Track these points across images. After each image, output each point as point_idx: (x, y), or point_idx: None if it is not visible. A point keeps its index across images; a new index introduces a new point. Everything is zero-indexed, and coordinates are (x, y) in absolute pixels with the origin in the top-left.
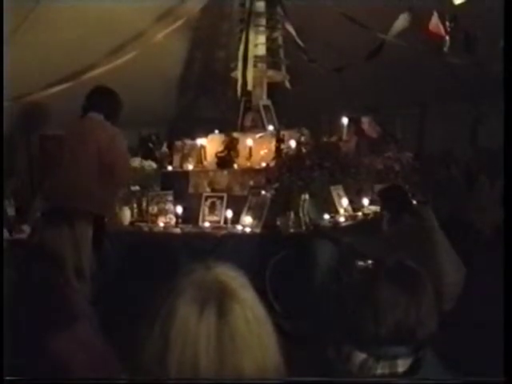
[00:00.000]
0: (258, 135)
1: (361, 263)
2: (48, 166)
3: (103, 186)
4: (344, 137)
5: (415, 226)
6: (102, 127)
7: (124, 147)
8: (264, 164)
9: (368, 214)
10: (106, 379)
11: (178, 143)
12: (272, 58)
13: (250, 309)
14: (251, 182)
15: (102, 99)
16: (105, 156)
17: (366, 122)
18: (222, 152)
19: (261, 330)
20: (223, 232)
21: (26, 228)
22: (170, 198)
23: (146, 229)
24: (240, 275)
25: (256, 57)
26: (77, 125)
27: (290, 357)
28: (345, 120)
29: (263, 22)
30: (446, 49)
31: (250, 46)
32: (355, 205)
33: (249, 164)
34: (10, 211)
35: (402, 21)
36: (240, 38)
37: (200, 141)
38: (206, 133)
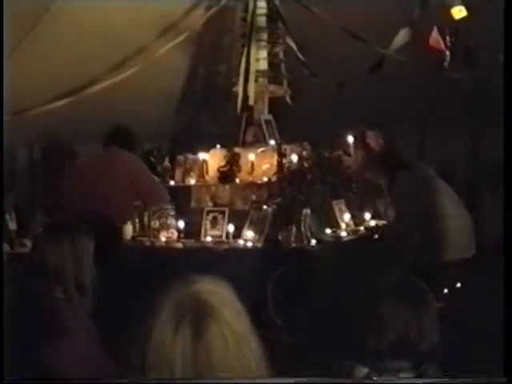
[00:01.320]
0: (259, 150)
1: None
2: (50, 180)
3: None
4: (351, 151)
5: (411, 178)
6: (128, 156)
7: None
8: (266, 178)
9: (370, 229)
10: (106, 379)
11: (180, 158)
12: (273, 72)
13: (227, 325)
14: (253, 197)
15: (121, 136)
16: (139, 180)
17: (371, 136)
18: (223, 167)
19: (240, 346)
20: (225, 246)
21: (28, 242)
22: (172, 212)
23: (147, 243)
24: (221, 289)
25: (257, 71)
26: (102, 154)
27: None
28: (350, 136)
29: (265, 36)
30: (446, 63)
31: (252, 61)
32: (357, 219)
33: (251, 178)
34: (12, 225)
35: (402, 36)
36: (241, 53)
37: (202, 155)
38: (208, 147)
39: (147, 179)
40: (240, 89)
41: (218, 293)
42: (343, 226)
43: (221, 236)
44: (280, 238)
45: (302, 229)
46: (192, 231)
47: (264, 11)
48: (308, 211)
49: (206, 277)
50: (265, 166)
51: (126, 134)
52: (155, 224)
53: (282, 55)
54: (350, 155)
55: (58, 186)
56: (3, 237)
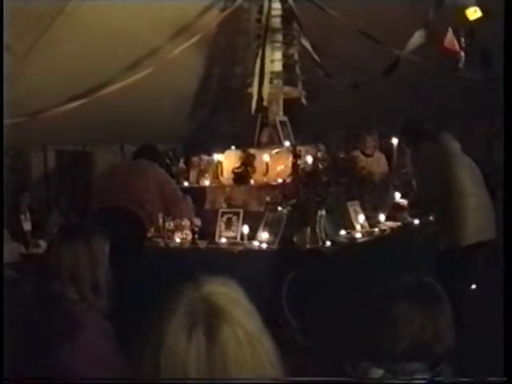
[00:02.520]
0: (274, 151)
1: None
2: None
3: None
4: (373, 153)
5: (435, 151)
6: (158, 168)
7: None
8: (280, 180)
9: (385, 230)
10: (107, 379)
11: (195, 159)
12: (288, 74)
13: (240, 326)
14: (268, 198)
15: (149, 151)
16: (166, 189)
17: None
18: (238, 168)
19: (254, 346)
20: (240, 248)
21: (43, 243)
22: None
23: (162, 244)
24: (231, 289)
25: (272, 73)
26: (134, 162)
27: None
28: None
29: (279, 37)
30: (461, 65)
31: (267, 62)
32: (372, 221)
33: (265, 180)
34: (26, 226)
35: (417, 37)
36: (256, 54)
37: (217, 156)
38: (223, 149)
39: (175, 191)
40: (255, 90)
41: (227, 294)
42: (358, 227)
43: (235, 237)
44: (295, 239)
45: (317, 230)
46: (207, 232)
47: (279, 12)
48: (323, 212)
49: (214, 278)
50: (279, 168)
51: (153, 150)
52: (170, 225)
53: (296, 56)
54: (370, 155)
55: (80, 187)
56: (12, 238)
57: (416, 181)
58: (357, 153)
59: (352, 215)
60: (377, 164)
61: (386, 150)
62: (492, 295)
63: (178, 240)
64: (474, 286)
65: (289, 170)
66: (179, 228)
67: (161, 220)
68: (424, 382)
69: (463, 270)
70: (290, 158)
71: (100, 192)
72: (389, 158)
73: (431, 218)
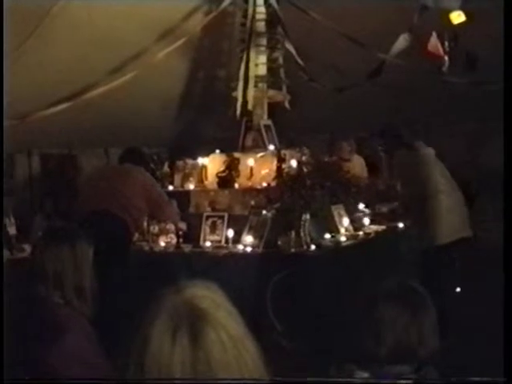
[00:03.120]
0: (259, 155)
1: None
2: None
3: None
4: (351, 158)
5: (410, 157)
6: (144, 172)
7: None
8: (265, 184)
9: (369, 234)
10: (106, 379)
11: (180, 163)
12: (273, 77)
13: (223, 330)
14: (252, 202)
15: (135, 154)
16: (152, 193)
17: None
18: (223, 172)
19: (238, 349)
20: (224, 252)
21: (27, 247)
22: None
23: (146, 248)
24: (214, 292)
25: (257, 76)
26: (120, 167)
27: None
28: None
29: (264, 41)
30: (445, 69)
31: (251, 66)
32: (356, 224)
33: (250, 184)
34: (11, 230)
35: (402, 41)
36: (241, 58)
37: (201, 160)
38: (207, 152)
39: (161, 195)
40: (239, 94)
41: (210, 297)
42: (342, 230)
43: (220, 241)
44: (279, 243)
45: (302, 234)
46: (191, 236)
47: (263, 16)
48: (307, 216)
49: (197, 282)
50: (264, 171)
51: (139, 153)
52: (154, 229)
53: (281, 60)
54: (347, 160)
55: (65, 190)
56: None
57: (394, 185)
58: (335, 158)
59: (336, 219)
60: (357, 168)
61: (366, 154)
62: (474, 293)
63: (162, 244)
64: (456, 284)
65: (273, 174)
66: (164, 232)
67: (145, 224)
68: (427, 381)
69: (444, 269)
70: (275, 162)
71: (86, 196)
72: (368, 163)
73: (410, 220)
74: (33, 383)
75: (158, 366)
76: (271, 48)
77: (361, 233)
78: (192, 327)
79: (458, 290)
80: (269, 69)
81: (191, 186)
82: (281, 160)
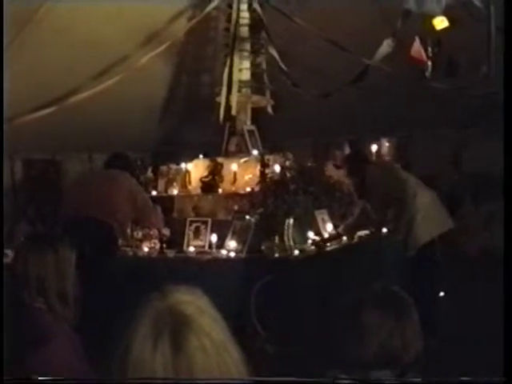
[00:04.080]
0: (242, 160)
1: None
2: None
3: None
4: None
5: (379, 171)
6: (130, 178)
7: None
8: (248, 189)
9: (353, 238)
10: (106, 379)
11: (163, 168)
12: (256, 82)
13: (206, 335)
14: (236, 207)
15: (120, 160)
16: (137, 198)
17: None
18: (206, 177)
19: (221, 355)
20: (208, 257)
21: (10, 252)
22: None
23: (130, 253)
24: (197, 298)
25: (240, 82)
26: (106, 172)
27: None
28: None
29: (247, 46)
30: (428, 74)
31: (235, 71)
32: (339, 229)
33: (233, 189)
34: None
35: (385, 46)
36: (224, 63)
37: (185, 165)
38: (191, 157)
39: (146, 201)
40: (223, 99)
41: (193, 302)
42: (326, 235)
43: (204, 246)
44: (263, 248)
45: (285, 239)
46: (175, 241)
47: (247, 21)
48: (291, 221)
49: (179, 287)
50: (247, 176)
51: (124, 159)
52: (138, 234)
53: (264, 65)
54: (340, 167)
55: (48, 196)
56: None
57: (368, 201)
58: (329, 165)
59: (320, 224)
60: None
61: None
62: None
63: (146, 249)
64: (441, 284)
65: (257, 179)
66: (147, 237)
67: (129, 229)
68: (426, 381)
69: (428, 270)
70: (258, 167)
71: (71, 201)
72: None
73: (389, 227)
74: (33, 383)
75: (141, 372)
76: (255, 53)
77: (344, 238)
78: (174, 333)
79: (442, 294)
80: (252, 74)
81: (175, 191)
82: (264, 165)
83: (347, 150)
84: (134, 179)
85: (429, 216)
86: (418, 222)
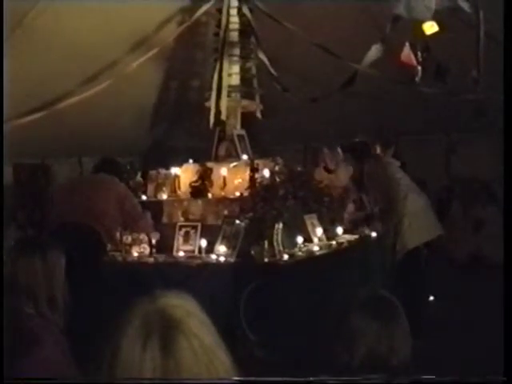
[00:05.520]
0: (232, 165)
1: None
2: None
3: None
4: (336, 168)
5: (377, 169)
6: (119, 182)
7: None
8: (238, 193)
9: (342, 243)
10: (95, 381)
11: (153, 172)
12: (246, 87)
13: (196, 338)
14: (225, 212)
15: (109, 164)
16: (126, 203)
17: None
18: (196, 181)
19: (210, 358)
20: (197, 261)
21: None
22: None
23: (119, 258)
24: (186, 301)
25: (230, 86)
26: (95, 177)
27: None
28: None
29: (237, 51)
30: (417, 79)
31: (224, 76)
32: (329, 234)
33: (223, 193)
34: None
35: (374, 51)
36: (214, 68)
37: (174, 170)
38: (181, 162)
39: (135, 206)
40: (212, 104)
41: (182, 306)
42: (315, 240)
43: (193, 251)
44: (252, 252)
45: (275, 243)
46: (164, 246)
47: (236, 26)
48: (280, 226)
49: (168, 291)
50: (237, 181)
51: (114, 163)
52: (127, 239)
53: (254, 70)
54: (332, 171)
55: (38, 200)
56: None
57: (364, 195)
58: (319, 169)
59: (309, 228)
60: (338, 178)
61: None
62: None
63: (135, 254)
64: (430, 287)
65: (246, 184)
66: (137, 242)
67: (118, 234)
68: (426, 381)
69: (416, 274)
70: (248, 172)
71: (60, 206)
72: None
73: (382, 228)
74: (33, 383)
75: (129, 374)
76: (244, 58)
77: (334, 242)
78: (163, 335)
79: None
80: (242, 79)
81: (164, 196)
82: (254, 170)
83: (340, 154)
84: (122, 184)
85: (418, 222)
86: (405, 227)
